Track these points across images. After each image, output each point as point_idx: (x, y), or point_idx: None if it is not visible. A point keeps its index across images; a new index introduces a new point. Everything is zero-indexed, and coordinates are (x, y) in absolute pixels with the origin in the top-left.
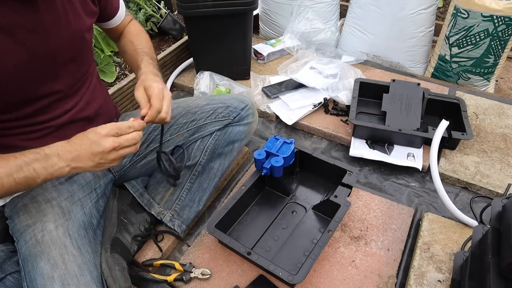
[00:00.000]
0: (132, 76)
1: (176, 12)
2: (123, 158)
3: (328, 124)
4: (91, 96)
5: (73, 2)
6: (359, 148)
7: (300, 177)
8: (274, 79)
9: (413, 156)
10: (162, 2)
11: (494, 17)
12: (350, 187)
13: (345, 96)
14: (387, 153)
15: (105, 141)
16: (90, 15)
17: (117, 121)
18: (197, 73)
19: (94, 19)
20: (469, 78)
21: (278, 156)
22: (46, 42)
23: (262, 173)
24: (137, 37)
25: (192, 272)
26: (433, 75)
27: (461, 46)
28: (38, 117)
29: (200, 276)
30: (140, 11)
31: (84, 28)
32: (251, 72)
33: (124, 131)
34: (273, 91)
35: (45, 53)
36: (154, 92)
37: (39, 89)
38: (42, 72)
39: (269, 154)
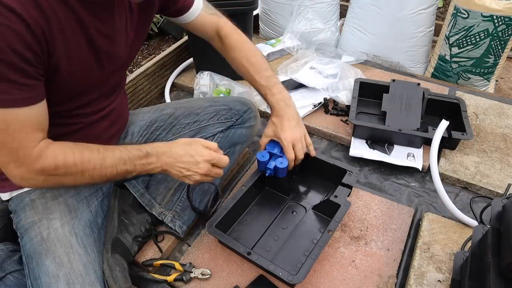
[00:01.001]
0: (132, 76)
1: None
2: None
3: (328, 124)
4: (120, 98)
5: (133, 11)
6: (359, 148)
7: (300, 177)
8: None
9: (413, 156)
10: None
11: (494, 17)
12: (350, 187)
13: (345, 96)
14: (387, 153)
15: (202, 165)
16: (144, 23)
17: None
18: (197, 73)
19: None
20: (469, 78)
21: (282, 157)
22: (112, 46)
23: (266, 174)
24: (244, 57)
25: (192, 272)
26: (433, 75)
27: (461, 46)
28: (76, 111)
29: (200, 276)
30: None
31: (135, 35)
32: None
33: (220, 164)
34: None
35: (109, 57)
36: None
37: (91, 89)
38: (100, 74)
39: (271, 155)
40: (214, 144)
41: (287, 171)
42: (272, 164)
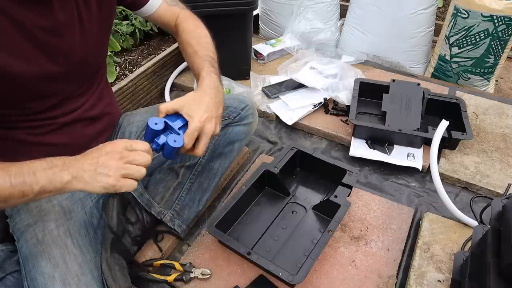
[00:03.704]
0: (132, 76)
1: None
2: (123, 184)
3: (328, 124)
4: (99, 97)
5: (89, 3)
6: (359, 148)
7: (300, 177)
8: (274, 79)
9: (413, 156)
10: None
11: (494, 17)
12: (350, 187)
13: (345, 96)
14: (387, 153)
15: (111, 148)
16: (106, 15)
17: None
18: None
19: (110, 19)
20: (469, 78)
21: (179, 135)
22: (61, 41)
23: (152, 148)
24: (195, 37)
25: (192, 272)
26: (433, 75)
27: (461, 46)
28: (46, 114)
29: (200, 276)
30: None
31: (98, 28)
32: (251, 72)
33: (135, 146)
34: (273, 91)
35: (59, 53)
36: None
37: (50, 88)
38: (55, 71)
39: (167, 128)
40: (124, 140)
41: (177, 155)
42: (163, 139)
